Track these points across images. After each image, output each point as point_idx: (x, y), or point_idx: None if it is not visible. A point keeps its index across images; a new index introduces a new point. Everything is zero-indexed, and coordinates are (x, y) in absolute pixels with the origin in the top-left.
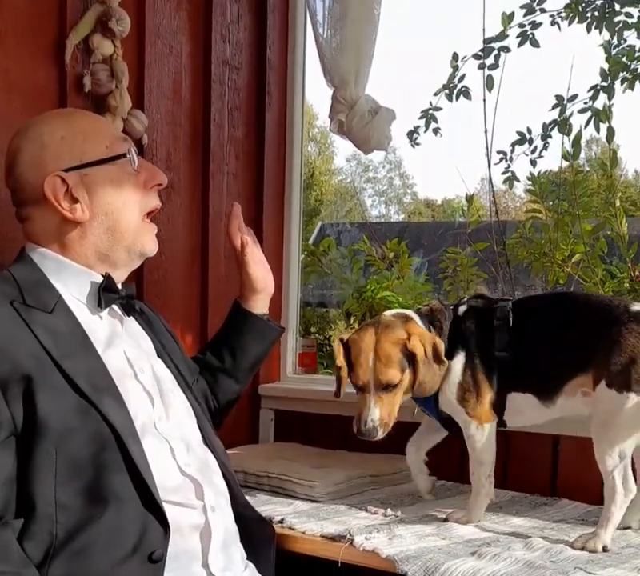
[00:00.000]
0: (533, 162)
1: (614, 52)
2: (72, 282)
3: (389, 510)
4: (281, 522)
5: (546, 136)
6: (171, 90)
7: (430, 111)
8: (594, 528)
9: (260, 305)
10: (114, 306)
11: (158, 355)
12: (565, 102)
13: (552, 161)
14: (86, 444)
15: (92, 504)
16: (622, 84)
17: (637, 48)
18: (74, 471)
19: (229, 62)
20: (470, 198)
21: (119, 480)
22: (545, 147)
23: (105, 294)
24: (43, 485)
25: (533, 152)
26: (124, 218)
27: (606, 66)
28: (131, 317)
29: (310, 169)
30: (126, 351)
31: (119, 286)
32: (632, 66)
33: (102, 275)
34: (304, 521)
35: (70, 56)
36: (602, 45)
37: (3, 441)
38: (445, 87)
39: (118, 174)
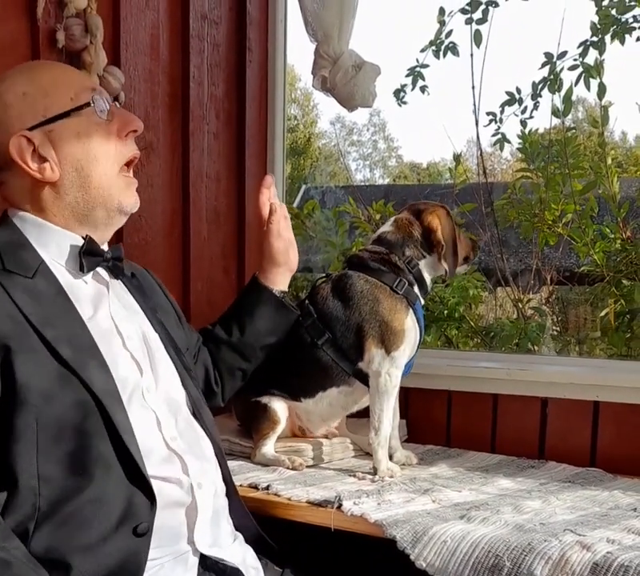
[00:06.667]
0: (523, 123)
1: (604, 3)
2: (53, 246)
3: (376, 475)
4: (266, 488)
5: (536, 95)
6: (148, 45)
7: (417, 68)
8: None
9: (279, 280)
10: (100, 270)
11: (148, 320)
12: (554, 59)
13: (542, 122)
14: (68, 414)
15: (75, 476)
16: (612, 39)
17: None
18: (56, 443)
19: (207, 17)
20: (457, 157)
21: (103, 451)
22: (535, 107)
23: (87, 257)
24: (24, 457)
25: (523, 112)
26: (96, 173)
27: (596, 20)
28: (119, 280)
29: (305, 134)
30: (114, 317)
31: (105, 247)
32: (622, 19)
33: (83, 238)
34: (290, 487)
35: (42, 9)
36: None
37: None
38: (432, 43)
39: (86, 126)
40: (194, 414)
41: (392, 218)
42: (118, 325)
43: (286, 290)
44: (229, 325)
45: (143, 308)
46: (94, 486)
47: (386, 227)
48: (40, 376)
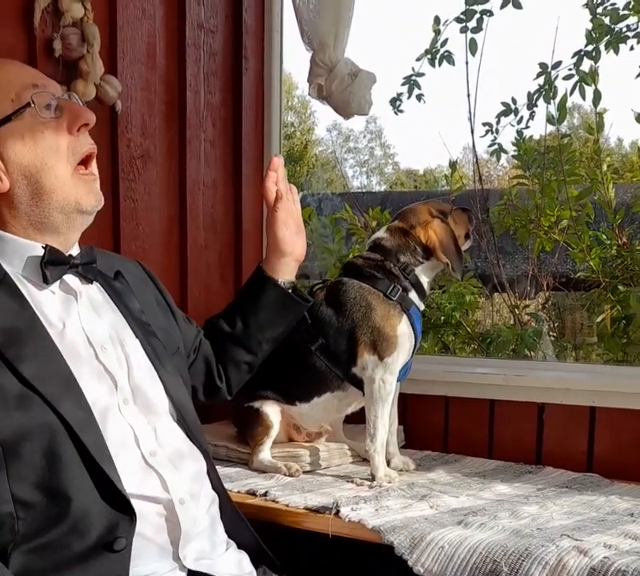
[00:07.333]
0: (519, 133)
1: (598, 12)
2: (15, 259)
3: (374, 481)
4: (264, 494)
5: (531, 105)
6: (145, 54)
7: (413, 77)
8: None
9: (284, 270)
10: (68, 278)
11: (128, 324)
12: (549, 69)
13: (537, 128)
14: (33, 437)
15: (51, 498)
16: (606, 49)
17: (621, 7)
18: (26, 467)
19: (204, 26)
20: (453, 164)
21: (77, 474)
22: (531, 117)
23: (49, 267)
24: None
25: (519, 122)
26: (47, 178)
27: (590, 27)
28: (94, 284)
29: (301, 142)
30: (85, 327)
31: (75, 250)
32: (616, 29)
33: (43, 247)
34: (288, 493)
35: (38, 19)
36: (586, 4)
37: None
38: (427, 52)
39: (31, 128)
40: (178, 422)
41: (385, 226)
42: (90, 336)
43: (293, 279)
44: (232, 317)
45: (124, 312)
46: (73, 509)
47: (381, 233)
48: (3, 402)
